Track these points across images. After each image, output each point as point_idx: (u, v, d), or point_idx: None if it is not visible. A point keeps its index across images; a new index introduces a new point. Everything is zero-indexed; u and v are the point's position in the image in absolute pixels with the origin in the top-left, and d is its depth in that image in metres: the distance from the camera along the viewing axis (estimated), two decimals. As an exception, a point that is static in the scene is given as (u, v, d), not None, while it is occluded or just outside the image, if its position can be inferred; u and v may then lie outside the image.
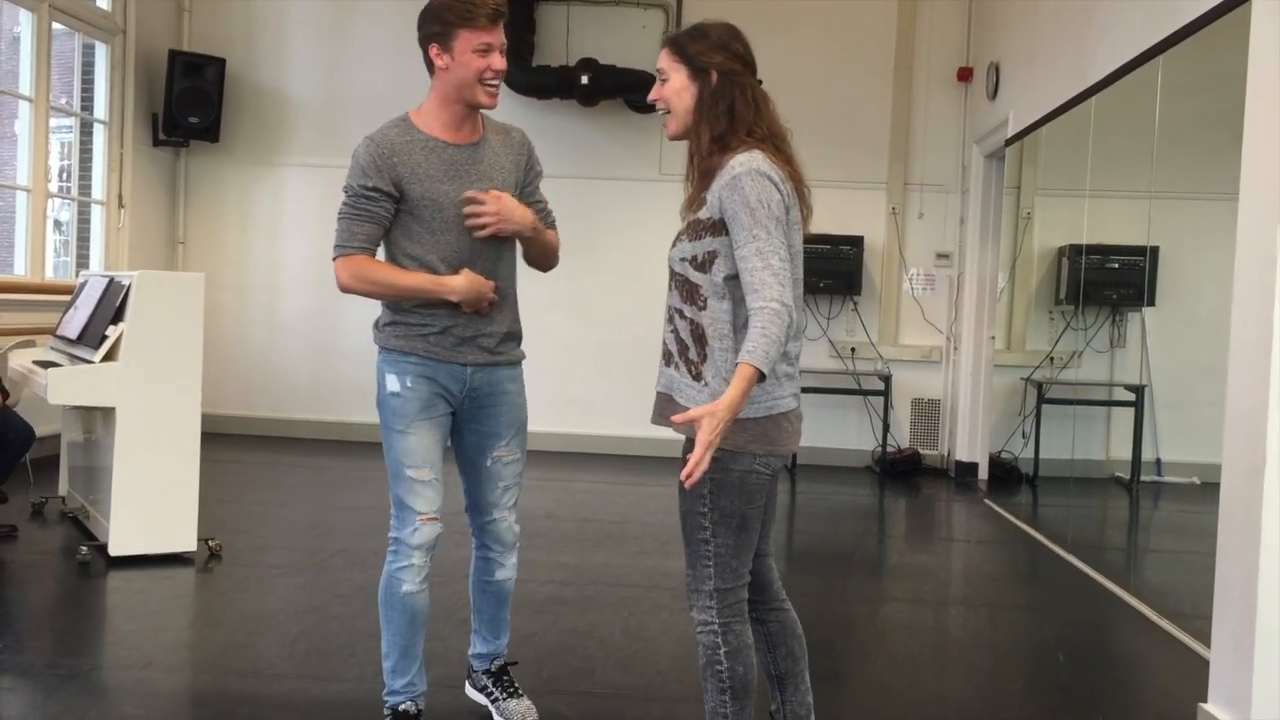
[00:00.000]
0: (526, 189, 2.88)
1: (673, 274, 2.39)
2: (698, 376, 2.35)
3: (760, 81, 2.41)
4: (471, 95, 2.67)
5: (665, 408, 2.41)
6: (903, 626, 4.22)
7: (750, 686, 2.39)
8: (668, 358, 2.43)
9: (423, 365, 2.73)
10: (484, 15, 2.60)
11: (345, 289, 2.71)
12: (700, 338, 2.34)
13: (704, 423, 2.10)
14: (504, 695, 3.06)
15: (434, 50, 2.65)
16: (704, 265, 2.31)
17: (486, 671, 3.11)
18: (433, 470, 2.74)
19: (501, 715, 3.03)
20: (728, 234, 2.29)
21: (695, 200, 2.38)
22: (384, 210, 2.68)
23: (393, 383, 2.73)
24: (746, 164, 2.26)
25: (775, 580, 2.60)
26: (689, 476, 2.10)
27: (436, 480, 2.75)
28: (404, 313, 2.75)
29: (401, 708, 2.81)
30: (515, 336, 2.89)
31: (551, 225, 2.95)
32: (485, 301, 2.74)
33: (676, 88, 2.39)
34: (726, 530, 2.33)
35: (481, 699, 3.12)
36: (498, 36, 2.64)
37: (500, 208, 2.70)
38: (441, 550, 2.86)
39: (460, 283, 2.69)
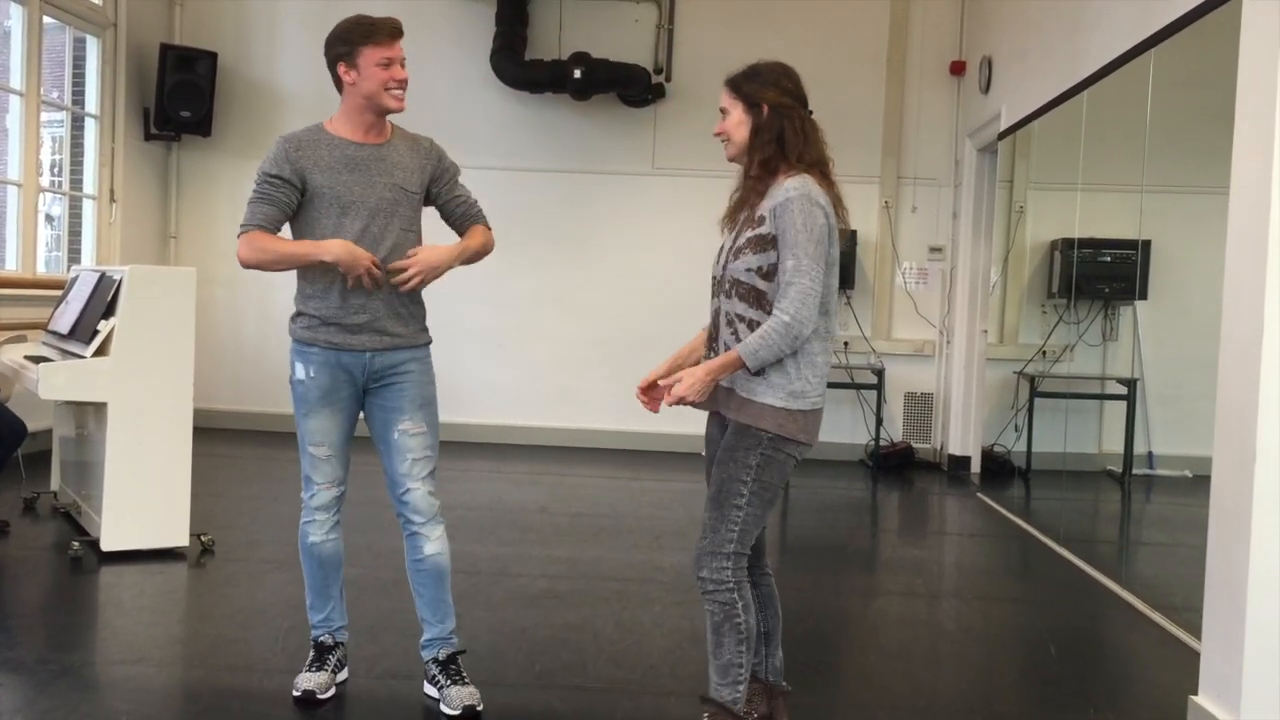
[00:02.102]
0: (445, 188, 3.16)
1: (736, 283, 2.70)
2: (761, 371, 2.67)
3: (811, 112, 2.75)
4: (380, 102, 2.96)
5: (726, 399, 2.73)
6: (895, 620, 4.23)
7: (756, 638, 2.76)
8: None
9: (325, 354, 3.02)
10: (384, 33, 2.92)
11: (244, 262, 2.96)
12: None
13: (684, 378, 2.61)
14: (449, 682, 3.06)
15: (342, 68, 2.95)
16: (769, 274, 2.66)
17: (435, 660, 3.12)
18: (330, 449, 3.08)
19: (445, 703, 3.04)
20: None
21: (739, 215, 2.76)
22: (284, 196, 2.95)
23: (299, 371, 3.06)
24: (800, 189, 2.63)
25: (765, 549, 2.95)
26: (671, 392, 2.61)
27: (334, 457, 3.09)
28: (305, 301, 3.03)
29: (320, 639, 3.17)
30: (414, 319, 3.11)
31: (479, 215, 3.22)
32: (362, 270, 2.92)
33: (735, 122, 2.75)
34: (759, 502, 2.68)
35: (434, 692, 3.12)
36: (398, 51, 2.95)
37: (419, 261, 2.98)
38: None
39: (335, 246, 2.91)
